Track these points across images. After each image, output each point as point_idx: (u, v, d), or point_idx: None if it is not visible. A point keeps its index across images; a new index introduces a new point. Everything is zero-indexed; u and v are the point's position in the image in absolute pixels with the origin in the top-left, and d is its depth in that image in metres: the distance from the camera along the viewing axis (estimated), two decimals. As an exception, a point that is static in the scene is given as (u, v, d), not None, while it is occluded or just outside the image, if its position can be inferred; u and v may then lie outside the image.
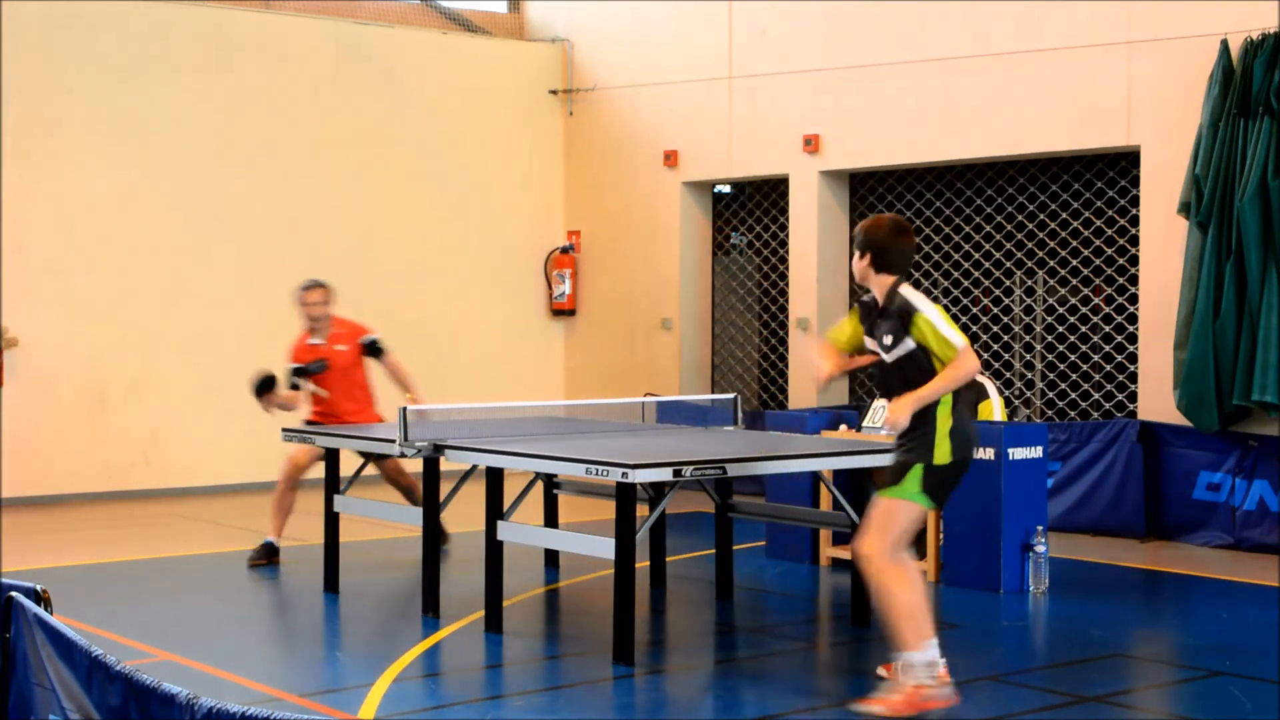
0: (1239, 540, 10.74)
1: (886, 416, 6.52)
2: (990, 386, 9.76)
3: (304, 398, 10.32)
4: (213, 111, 14.10)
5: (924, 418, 6.41)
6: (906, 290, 6.55)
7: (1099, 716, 6.49)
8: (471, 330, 15.47)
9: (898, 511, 6.45)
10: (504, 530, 7.97)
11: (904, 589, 6.36)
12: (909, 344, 6.46)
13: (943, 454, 6.41)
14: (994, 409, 9.64)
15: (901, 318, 6.46)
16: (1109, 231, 12.22)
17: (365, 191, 14.91)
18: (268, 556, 10.09)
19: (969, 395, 6.88)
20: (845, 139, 13.51)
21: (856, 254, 6.69)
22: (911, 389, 6.42)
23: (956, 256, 13.23)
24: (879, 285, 6.62)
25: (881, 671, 6.77)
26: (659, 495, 7.81)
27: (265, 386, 10.12)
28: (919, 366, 6.46)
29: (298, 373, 10.24)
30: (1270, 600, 9.02)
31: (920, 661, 6.31)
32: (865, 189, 13.92)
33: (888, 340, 6.54)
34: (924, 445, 6.41)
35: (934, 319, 6.40)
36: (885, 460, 8.00)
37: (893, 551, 6.43)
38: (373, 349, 10.43)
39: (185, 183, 13.95)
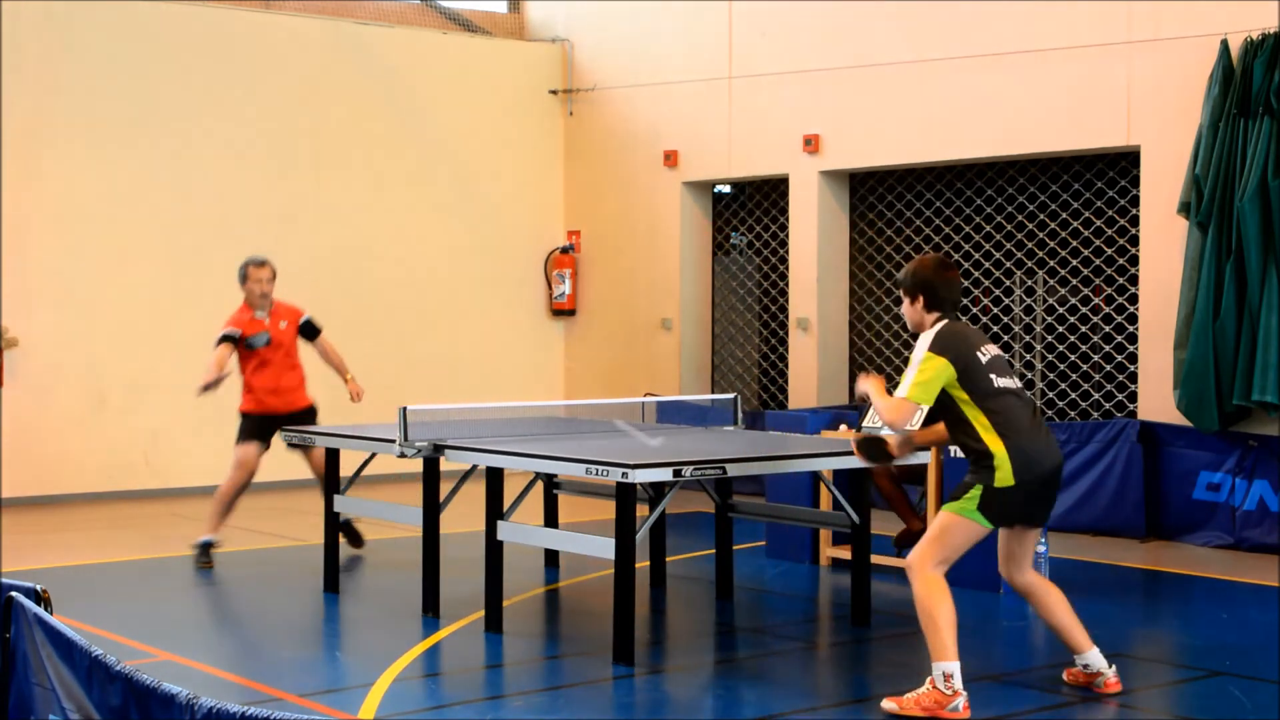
0: (1239, 540, 10.74)
1: (858, 387, 6.82)
2: (923, 338, 9.65)
3: (231, 366, 10.31)
4: (213, 111, 14.10)
5: (977, 448, 6.60)
6: (933, 329, 6.71)
7: (1099, 716, 6.49)
8: (471, 330, 15.47)
9: (954, 527, 6.60)
10: (504, 530, 7.97)
11: (942, 603, 6.49)
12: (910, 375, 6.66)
13: (1004, 477, 6.55)
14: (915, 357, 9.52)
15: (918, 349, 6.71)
16: (1109, 231, 12.22)
17: (365, 191, 14.91)
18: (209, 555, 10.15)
19: (1024, 414, 6.77)
20: (845, 139, 13.51)
21: (907, 299, 6.84)
22: (949, 417, 6.69)
23: (956, 256, 13.22)
24: (927, 323, 6.77)
25: (890, 704, 6.57)
26: (659, 495, 7.81)
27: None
28: (946, 407, 6.68)
29: (238, 340, 10.26)
30: (1270, 600, 9.02)
31: (945, 672, 6.42)
32: (865, 189, 13.92)
33: None
34: (986, 469, 6.58)
35: (914, 361, 6.62)
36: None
37: (939, 564, 6.59)
38: (309, 329, 10.57)
39: (185, 182, 13.95)
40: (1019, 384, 6.83)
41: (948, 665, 6.39)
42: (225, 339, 10.27)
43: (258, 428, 10.28)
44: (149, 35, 13.82)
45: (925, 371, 6.55)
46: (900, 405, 6.54)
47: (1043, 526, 6.96)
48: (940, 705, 6.36)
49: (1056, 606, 6.83)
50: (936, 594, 6.50)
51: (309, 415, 10.40)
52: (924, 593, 6.51)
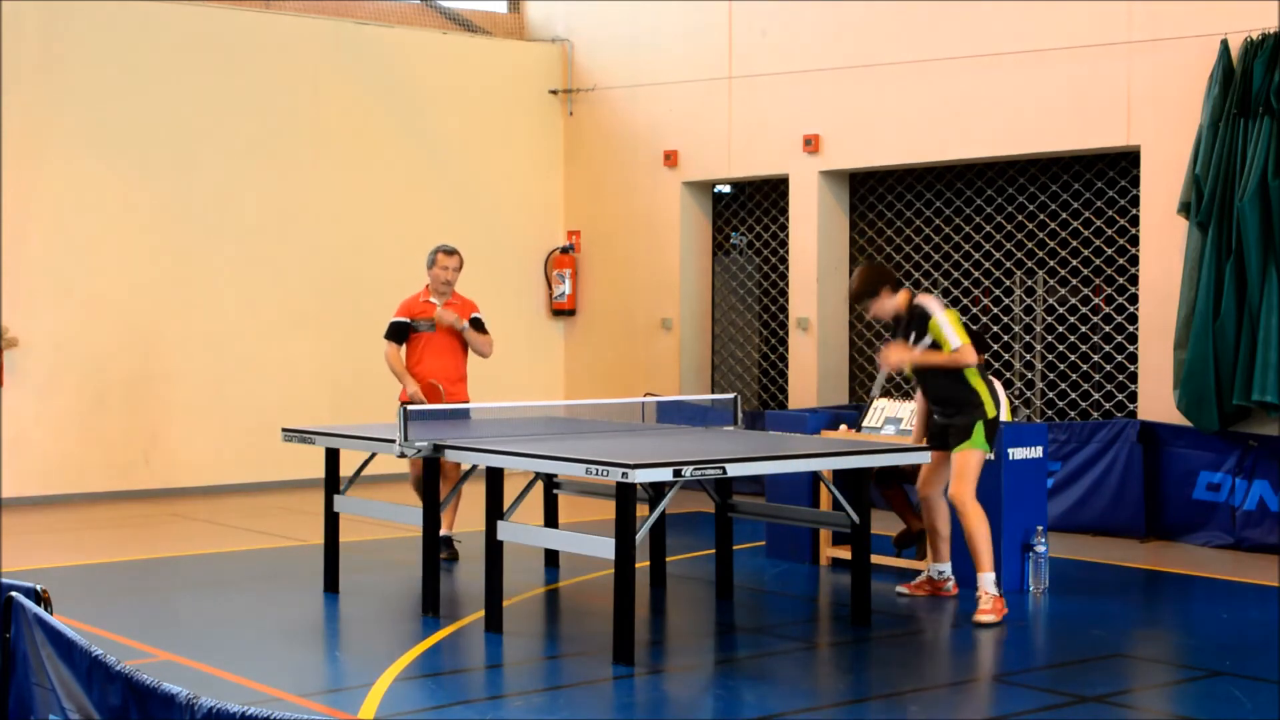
0: (1239, 540, 10.74)
1: (882, 354, 8.52)
2: (933, 305, 9.68)
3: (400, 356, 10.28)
4: (212, 111, 14.10)
5: (962, 389, 8.34)
6: (922, 299, 8.47)
7: (1099, 716, 6.49)
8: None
9: (974, 460, 8.33)
10: (504, 530, 7.97)
11: (983, 524, 8.30)
12: (927, 340, 8.35)
13: (990, 408, 8.35)
14: (941, 328, 9.54)
15: (921, 320, 8.37)
16: (1109, 231, 12.22)
17: (365, 191, 14.91)
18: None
19: (914, 324, 8.76)
20: (845, 139, 13.51)
21: (872, 298, 8.52)
22: (941, 379, 8.39)
23: (956, 256, 13.23)
24: (899, 303, 8.50)
25: (901, 589, 8.89)
26: (659, 495, 7.81)
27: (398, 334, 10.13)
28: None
29: (410, 328, 10.23)
30: (1270, 600, 9.02)
31: (993, 580, 8.24)
32: (865, 189, 13.93)
33: (912, 343, 8.42)
34: (976, 405, 8.32)
35: (942, 323, 8.28)
36: (883, 461, 8.15)
37: (973, 492, 8.32)
38: (477, 325, 10.47)
39: (185, 182, 13.95)
40: None
41: (990, 575, 8.25)
42: (390, 334, 10.24)
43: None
44: (149, 35, 13.82)
45: (954, 323, 8.30)
46: (967, 348, 8.22)
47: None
48: (1002, 606, 8.21)
49: (944, 518, 8.71)
50: (984, 520, 8.30)
51: (465, 411, 10.21)
52: (977, 519, 8.27)
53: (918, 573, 9.49)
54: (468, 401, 10.38)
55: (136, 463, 13.71)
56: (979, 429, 8.30)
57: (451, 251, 10.40)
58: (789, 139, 13.84)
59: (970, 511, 8.31)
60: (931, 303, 8.41)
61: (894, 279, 8.59)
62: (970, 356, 8.25)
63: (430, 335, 10.27)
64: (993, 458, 8.62)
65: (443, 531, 10.24)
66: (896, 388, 13.62)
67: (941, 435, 8.52)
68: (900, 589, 8.91)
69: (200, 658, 7.39)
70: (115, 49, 13.64)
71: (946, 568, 8.86)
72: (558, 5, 16.05)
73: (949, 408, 8.42)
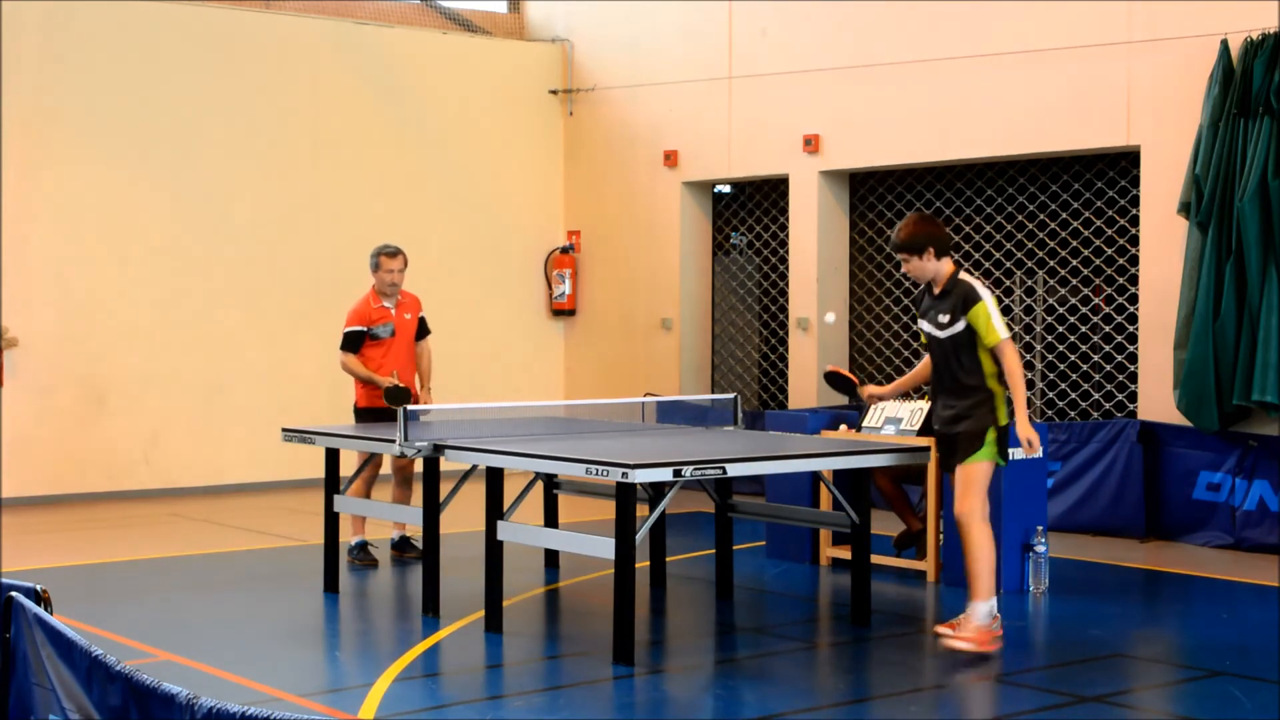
0: (1239, 540, 10.74)
1: (1026, 440, 7.48)
2: (982, 290, 9.65)
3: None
4: (212, 111, 14.10)
5: (978, 390, 7.51)
6: (967, 276, 7.65)
7: (1099, 716, 6.49)
8: (471, 330, 15.45)
9: (984, 473, 7.50)
10: (504, 530, 7.97)
11: (989, 547, 7.44)
12: (961, 324, 7.52)
13: (1003, 415, 7.53)
14: (991, 317, 9.51)
15: (965, 300, 7.52)
16: (1109, 231, 12.22)
17: (364, 191, 14.91)
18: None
19: (954, 301, 8.09)
20: (845, 139, 13.51)
21: (915, 255, 7.62)
22: (960, 367, 7.53)
23: (957, 256, 13.23)
24: (942, 271, 7.67)
25: (943, 630, 7.54)
26: (659, 495, 7.81)
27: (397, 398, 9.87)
28: (966, 345, 7.52)
29: (363, 338, 10.13)
30: (1270, 600, 9.02)
31: (988, 611, 7.39)
32: (865, 189, 13.92)
33: (944, 319, 7.62)
34: (989, 411, 7.50)
35: (991, 311, 7.49)
36: (886, 460, 8.12)
37: (984, 510, 7.50)
38: (422, 327, 10.50)
39: (185, 182, 13.95)
40: None
41: (994, 602, 7.43)
42: (347, 344, 10.12)
43: (373, 421, 9.98)
44: (149, 35, 13.82)
45: (997, 310, 7.50)
46: (1011, 345, 7.49)
47: None
48: (988, 640, 7.36)
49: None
50: (991, 543, 7.45)
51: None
52: (983, 540, 7.40)
53: (918, 573, 9.50)
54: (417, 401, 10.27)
55: (136, 463, 13.71)
56: (990, 437, 7.46)
57: (395, 253, 10.34)
58: (789, 139, 13.84)
59: (976, 531, 7.44)
60: (980, 285, 7.56)
61: (944, 242, 7.66)
62: (1015, 356, 7.45)
63: (391, 340, 10.21)
64: (1004, 465, 7.69)
65: (397, 532, 10.26)
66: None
67: (948, 446, 7.68)
68: (940, 630, 7.66)
69: (200, 658, 7.39)
70: (115, 49, 13.64)
71: (985, 605, 7.53)
72: (558, 5, 16.05)
73: (959, 404, 7.54)
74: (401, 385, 9.84)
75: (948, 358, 7.60)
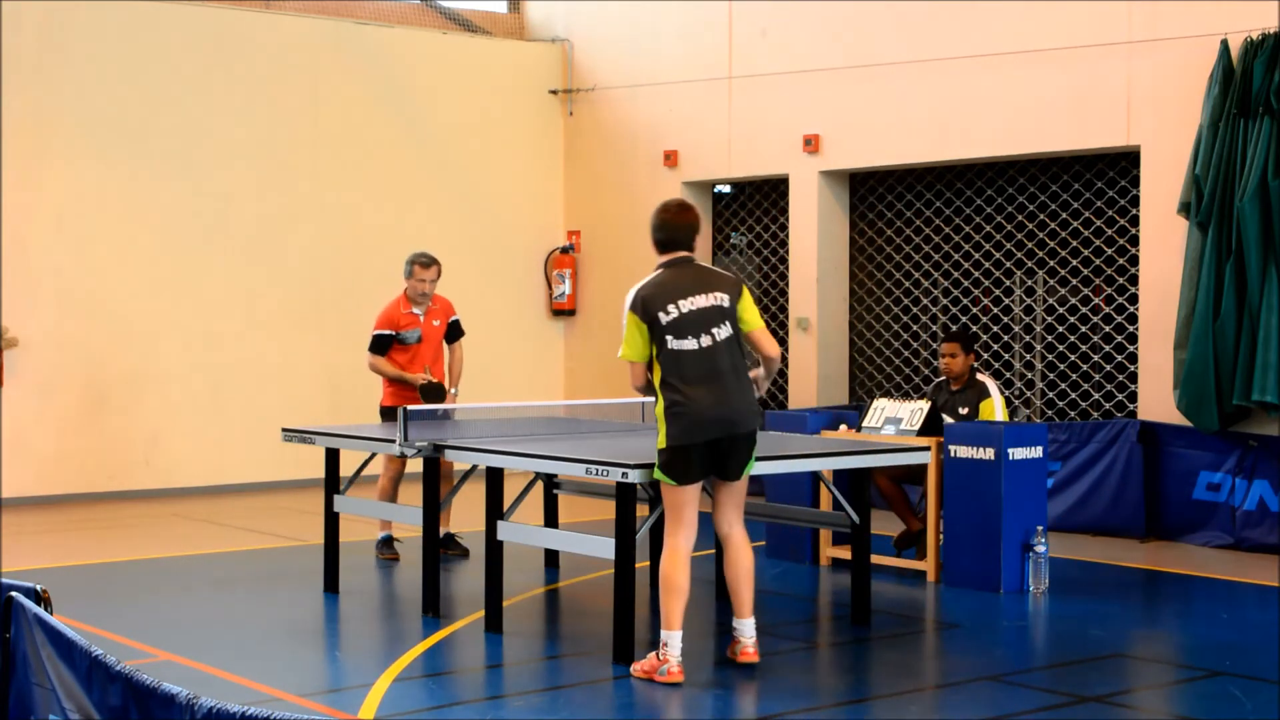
0: (1239, 540, 10.74)
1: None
2: (992, 386, 9.79)
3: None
4: (212, 111, 14.10)
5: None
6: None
7: (1099, 716, 6.49)
8: (471, 330, 15.31)
9: (664, 493, 6.96)
10: (504, 530, 7.97)
11: (684, 575, 6.95)
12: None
13: (659, 440, 6.89)
14: (996, 409, 9.65)
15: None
16: (1109, 231, 12.22)
17: (365, 191, 14.91)
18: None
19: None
20: (845, 139, 13.51)
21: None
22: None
23: (956, 256, 13.22)
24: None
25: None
26: (659, 495, 7.80)
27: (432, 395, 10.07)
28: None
29: (391, 341, 10.20)
30: (1270, 600, 9.02)
31: (665, 640, 6.91)
32: (865, 189, 13.92)
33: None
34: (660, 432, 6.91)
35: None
36: (885, 460, 8.14)
37: (678, 533, 6.93)
38: (454, 329, 10.55)
39: (185, 182, 13.95)
40: (711, 338, 6.86)
41: (676, 634, 6.87)
42: (375, 346, 10.21)
43: None
44: (149, 35, 13.82)
45: (627, 328, 6.85)
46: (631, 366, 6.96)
47: (735, 480, 7.03)
48: (656, 669, 6.88)
49: (738, 567, 7.08)
50: (680, 565, 6.88)
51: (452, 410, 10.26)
52: (668, 566, 6.88)
53: (918, 573, 9.50)
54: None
55: (136, 463, 13.71)
56: (657, 460, 6.94)
57: (429, 264, 10.36)
58: (789, 139, 13.84)
59: (667, 555, 6.95)
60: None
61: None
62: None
63: (418, 347, 10.29)
64: (685, 486, 6.94)
65: (383, 532, 10.31)
66: (896, 388, 13.62)
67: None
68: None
69: (200, 658, 7.39)
70: (115, 49, 13.64)
71: (745, 626, 7.19)
72: (558, 5, 16.05)
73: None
74: (435, 380, 9.99)
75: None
